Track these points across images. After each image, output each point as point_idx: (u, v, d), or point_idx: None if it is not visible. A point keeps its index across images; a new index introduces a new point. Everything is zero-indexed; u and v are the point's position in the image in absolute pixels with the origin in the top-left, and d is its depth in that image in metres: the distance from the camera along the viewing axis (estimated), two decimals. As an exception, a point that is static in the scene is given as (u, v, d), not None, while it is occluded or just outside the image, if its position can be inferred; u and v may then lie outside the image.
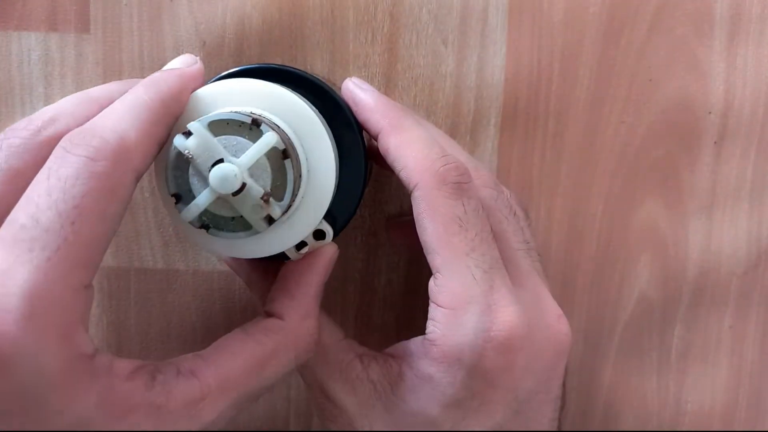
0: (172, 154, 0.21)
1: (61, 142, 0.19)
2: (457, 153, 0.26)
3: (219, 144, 0.20)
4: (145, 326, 0.32)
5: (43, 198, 0.17)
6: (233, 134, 0.21)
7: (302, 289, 0.24)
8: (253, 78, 0.23)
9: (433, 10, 0.29)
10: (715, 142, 0.31)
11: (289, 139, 0.22)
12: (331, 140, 0.23)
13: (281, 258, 0.24)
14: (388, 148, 0.24)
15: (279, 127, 0.22)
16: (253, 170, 0.20)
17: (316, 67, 0.29)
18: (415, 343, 0.24)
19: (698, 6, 0.29)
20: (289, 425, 0.33)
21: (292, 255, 0.24)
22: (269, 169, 0.21)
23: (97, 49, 0.29)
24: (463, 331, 0.22)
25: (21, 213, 0.18)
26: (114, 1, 0.29)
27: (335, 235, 0.25)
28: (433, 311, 0.23)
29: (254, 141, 0.20)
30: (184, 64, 0.24)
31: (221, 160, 0.20)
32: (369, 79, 0.29)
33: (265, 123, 0.21)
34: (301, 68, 0.26)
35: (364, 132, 0.25)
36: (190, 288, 0.31)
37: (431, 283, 0.23)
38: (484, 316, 0.22)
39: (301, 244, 0.24)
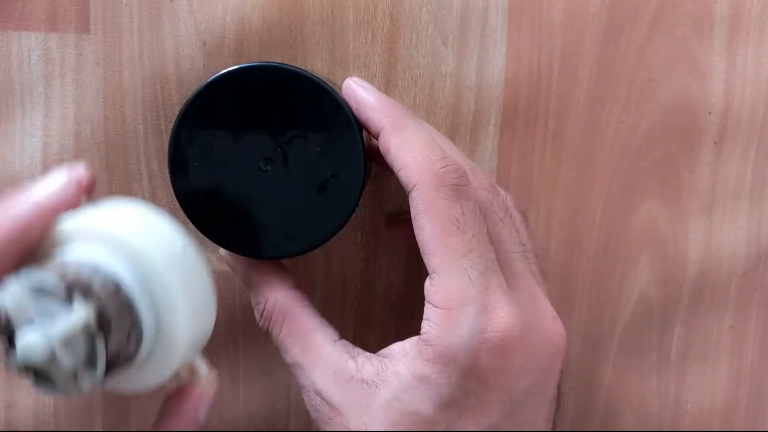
0: None
1: None
2: (456, 155, 0.26)
3: (32, 306, 0.18)
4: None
5: None
6: (52, 298, 0.18)
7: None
8: (251, 77, 0.24)
9: (433, 10, 0.29)
10: (715, 142, 0.31)
11: (124, 300, 0.19)
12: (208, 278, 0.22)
13: (280, 257, 0.24)
14: (389, 147, 0.24)
15: (112, 286, 0.19)
16: (66, 341, 0.18)
17: (316, 67, 0.29)
18: (410, 343, 0.24)
19: (698, 6, 0.30)
20: (289, 425, 0.33)
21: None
22: (83, 342, 0.18)
23: (97, 49, 0.29)
24: (458, 331, 0.22)
25: None
26: (114, 1, 0.29)
27: (335, 231, 0.25)
28: (429, 311, 0.23)
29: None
30: (58, 183, 0.21)
31: (31, 323, 0.18)
32: (369, 79, 0.29)
33: (78, 295, 0.18)
34: (302, 67, 0.26)
35: (363, 132, 0.25)
36: (190, 288, 0.31)
37: (427, 283, 0.24)
38: (479, 317, 0.22)
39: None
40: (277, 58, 0.29)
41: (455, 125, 0.30)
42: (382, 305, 0.32)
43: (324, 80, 0.26)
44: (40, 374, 0.19)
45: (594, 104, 0.30)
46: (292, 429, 0.33)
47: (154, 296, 0.20)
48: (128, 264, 0.20)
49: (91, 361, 0.19)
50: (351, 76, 0.29)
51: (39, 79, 0.30)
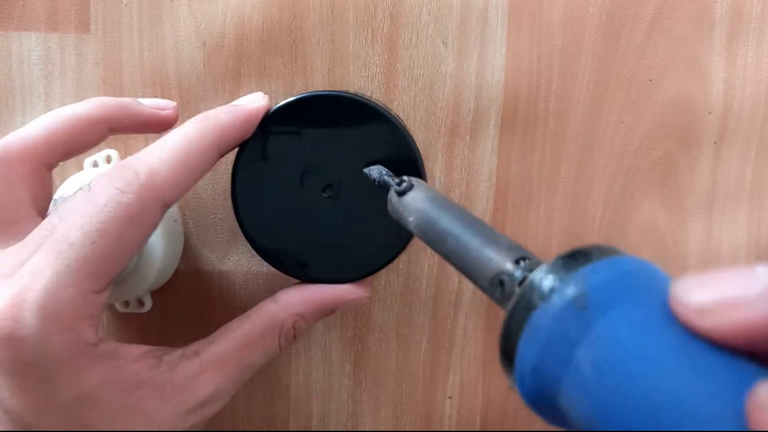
0: None
1: (110, 171, 0.22)
2: None
3: None
4: (144, 326, 0.32)
5: (77, 219, 0.21)
6: None
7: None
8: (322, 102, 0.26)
9: (433, 10, 0.29)
10: (714, 142, 0.31)
11: None
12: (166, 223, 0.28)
13: (340, 281, 0.28)
14: None
15: None
16: None
17: (316, 67, 0.29)
18: None
19: (698, 6, 0.29)
20: (289, 425, 0.33)
21: (119, 307, 0.30)
22: None
23: (97, 49, 0.29)
24: None
25: (61, 226, 0.21)
26: (114, 1, 0.29)
27: (393, 258, 0.28)
28: None
29: None
30: (250, 100, 0.26)
31: None
32: (369, 79, 0.29)
33: None
34: (346, 90, 0.27)
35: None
36: (190, 288, 0.31)
37: None
38: None
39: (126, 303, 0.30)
40: (277, 58, 0.29)
41: (455, 125, 0.30)
42: (382, 305, 0.32)
43: (385, 108, 0.27)
44: None
45: (594, 104, 0.30)
46: (292, 429, 0.33)
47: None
48: None
49: None
50: (351, 76, 0.29)
51: (39, 79, 0.30)
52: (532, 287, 0.15)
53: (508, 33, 0.29)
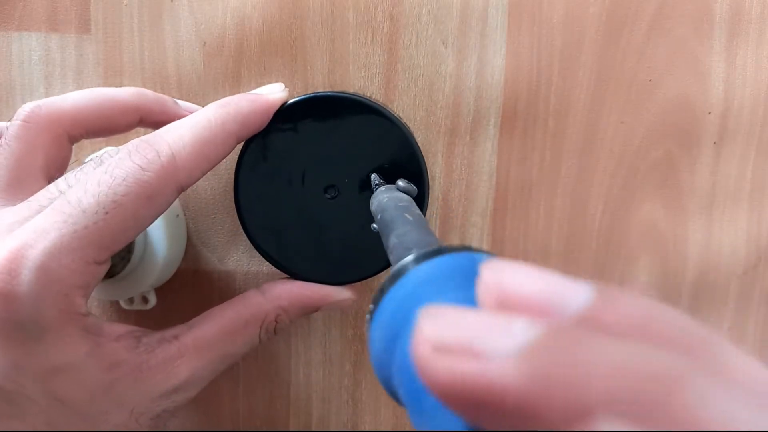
0: None
1: (129, 146, 0.22)
2: None
3: None
4: (144, 326, 0.32)
5: (92, 186, 0.21)
6: None
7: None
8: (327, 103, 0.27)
9: (433, 10, 0.29)
10: (714, 143, 0.31)
11: None
12: (167, 222, 0.28)
13: (340, 283, 0.28)
14: None
15: None
16: None
17: (317, 68, 0.29)
18: None
19: (698, 6, 0.29)
20: (289, 425, 0.33)
21: (124, 304, 0.30)
22: None
23: (97, 49, 0.29)
24: None
25: (74, 191, 0.21)
26: (114, 1, 0.29)
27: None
28: None
29: None
30: (269, 90, 0.27)
31: None
32: (369, 79, 0.30)
33: None
34: (349, 91, 0.28)
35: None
36: (190, 288, 0.31)
37: None
38: None
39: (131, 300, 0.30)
40: (277, 58, 0.29)
41: (455, 125, 0.30)
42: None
43: (388, 109, 0.27)
44: None
45: (594, 104, 0.30)
46: (292, 429, 0.33)
47: (146, 230, 0.27)
48: None
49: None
50: (351, 76, 0.29)
51: (39, 79, 0.30)
52: (380, 289, 0.16)
53: (508, 33, 0.29)
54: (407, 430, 0.33)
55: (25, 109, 0.24)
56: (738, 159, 0.31)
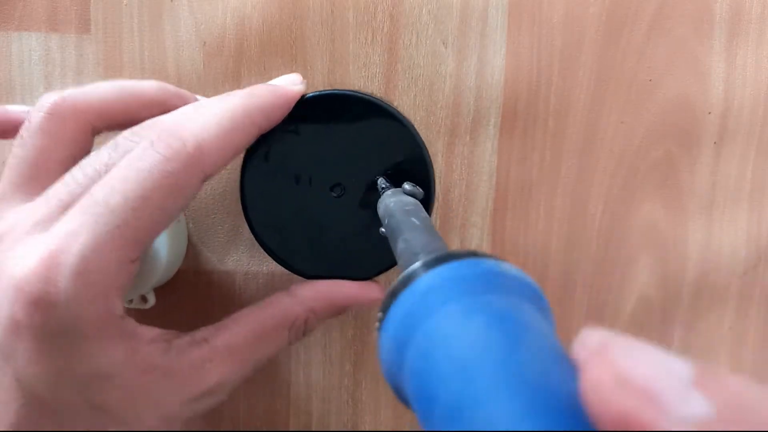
0: None
1: (152, 136, 0.21)
2: None
3: None
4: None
5: (119, 183, 0.20)
6: None
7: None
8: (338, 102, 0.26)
9: (433, 10, 0.29)
10: (714, 143, 0.31)
11: None
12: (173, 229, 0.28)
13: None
14: None
15: None
16: None
17: (317, 68, 0.29)
18: None
19: (698, 6, 0.29)
20: (289, 425, 0.33)
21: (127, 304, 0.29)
22: None
23: (98, 49, 0.29)
24: None
25: (99, 190, 0.21)
26: (114, 1, 0.29)
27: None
28: None
29: None
30: (289, 81, 0.27)
31: None
32: (369, 79, 0.30)
33: None
34: (356, 90, 0.27)
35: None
36: (190, 287, 0.31)
37: None
38: None
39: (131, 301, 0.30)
40: (277, 58, 0.29)
41: (455, 125, 0.30)
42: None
43: (394, 107, 0.27)
44: None
45: (594, 104, 0.30)
46: (292, 428, 0.33)
47: None
48: None
49: None
50: (351, 76, 0.29)
51: (39, 79, 0.30)
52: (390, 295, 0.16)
53: (508, 33, 0.29)
54: (407, 430, 0.33)
55: (49, 100, 0.23)
56: (738, 159, 0.31)
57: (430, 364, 0.13)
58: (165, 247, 0.28)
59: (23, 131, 0.23)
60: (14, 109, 0.25)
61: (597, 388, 0.10)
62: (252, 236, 0.28)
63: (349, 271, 0.27)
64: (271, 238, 0.27)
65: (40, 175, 0.23)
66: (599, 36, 0.30)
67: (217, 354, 0.23)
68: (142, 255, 0.27)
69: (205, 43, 0.29)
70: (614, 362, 0.10)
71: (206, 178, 0.22)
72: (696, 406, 0.10)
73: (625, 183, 0.31)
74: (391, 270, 0.31)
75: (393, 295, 0.15)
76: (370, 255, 0.27)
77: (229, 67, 0.30)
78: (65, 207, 0.21)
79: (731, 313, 0.32)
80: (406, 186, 0.25)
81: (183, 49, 0.29)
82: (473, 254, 0.15)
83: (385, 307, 0.15)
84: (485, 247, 0.31)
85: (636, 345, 0.11)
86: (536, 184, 0.31)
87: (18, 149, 0.23)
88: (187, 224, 0.31)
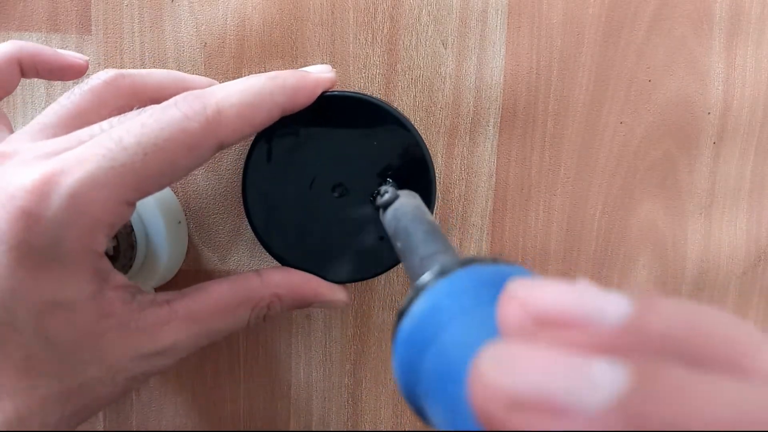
0: None
1: (177, 97, 0.22)
2: None
3: None
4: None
5: (137, 126, 0.21)
6: None
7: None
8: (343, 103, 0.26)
9: (433, 11, 0.29)
10: (714, 143, 0.31)
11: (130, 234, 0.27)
12: (166, 222, 0.28)
13: (346, 282, 0.28)
14: None
15: (127, 228, 0.27)
16: None
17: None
18: None
19: (698, 6, 0.30)
20: (290, 425, 0.33)
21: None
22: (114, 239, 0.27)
23: (98, 50, 0.29)
24: None
25: (116, 129, 0.21)
26: (115, 2, 0.29)
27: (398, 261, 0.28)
28: None
29: None
30: (319, 70, 0.27)
31: None
32: (369, 80, 0.30)
33: None
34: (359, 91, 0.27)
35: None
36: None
37: None
38: None
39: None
40: (277, 59, 0.29)
41: (455, 126, 0.30)
42: (381, 305, 0.32)
43: (395, 108, 0.27)
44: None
45: (593, 105, 0.30)
46: (292, 428, 0.33)
47: (149, 235, 0.28)
48: (138, 217, 0.27)
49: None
50: (351, 77, 0.29)
51: (40, 80, 0.30)
52: (409, 300, 0.16)
53: (507, 34, 0.29)
54: (407, 430, 0.33)
55: (109, 73, 0.24)
56: (737, 159, 0.31)
57: (449, 369, 0.13)
58: (166, 247, 0.28)
59: (76, 87, 0.24)
60: (66, 53, 0.26)
61: (488, 422, 0.10)
62: (253, 236, 0.28)
63: (349, 271, 0.28)
64: (272, 238, 0.27)
65: (73, 126, 0.23)
66: (598, 37, 0.30)
67: (176, 318, 0.24)
68: (143, 251, 0.27)
69: (205, 43, 0.29)
70: (495, 380, 0.10)
71: (220, 146, 0.23)
72: (604, 383, 0.09)
73: (624, 183, 0.31)
74: (391, 270, 0.32)
75: (407, 304, 0.15)
76: (371, 255, 0.27)
77: (230, 68, 0.30)
78: (82, 144, 0.21)
79: (730, 312, 0.32)
80: (407, 191, 0.26)
81: (183, 49, 0.29)
82: (478, 260, 0.15)
83: (399, 316, 0.15)
84: (485, 247, 0.31)
85: (541, 281, 0.11)
86: (535, 184, 0.31)
87: (64, 99, 0.24)
88: (188, 224, 0.31)
